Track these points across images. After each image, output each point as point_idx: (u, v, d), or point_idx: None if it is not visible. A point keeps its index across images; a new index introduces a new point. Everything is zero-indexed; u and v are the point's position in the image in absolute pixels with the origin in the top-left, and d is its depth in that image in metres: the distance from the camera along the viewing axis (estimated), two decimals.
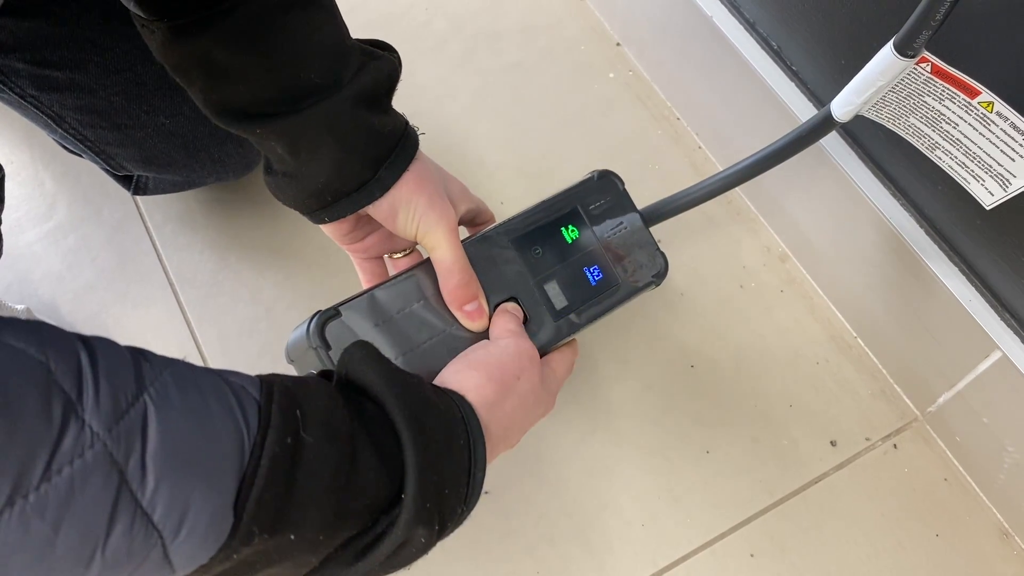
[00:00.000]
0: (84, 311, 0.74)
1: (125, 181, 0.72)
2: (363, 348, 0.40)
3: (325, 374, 0.42)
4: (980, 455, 0.67)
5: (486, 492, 0.41)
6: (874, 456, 0.70)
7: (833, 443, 0.70)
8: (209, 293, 0.75)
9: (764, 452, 0.70)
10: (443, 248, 0.49)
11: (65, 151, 0.71)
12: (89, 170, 0.78)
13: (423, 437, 0.37)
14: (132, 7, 0.44)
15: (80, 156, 0.70)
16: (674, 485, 0.68)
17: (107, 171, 0.71)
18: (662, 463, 0.69)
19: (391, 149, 0.48)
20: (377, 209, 0.49)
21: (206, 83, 0.46)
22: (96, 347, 0.29)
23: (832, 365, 0.74)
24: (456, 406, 0.41)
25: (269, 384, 0.35)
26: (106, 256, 0.77)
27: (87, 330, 0.75)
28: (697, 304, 0.76)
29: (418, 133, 0.51)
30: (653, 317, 0.75)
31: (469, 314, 0.49)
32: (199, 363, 0.72)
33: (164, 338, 0.73)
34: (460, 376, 0.45)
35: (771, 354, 0.74)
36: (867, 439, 0.71)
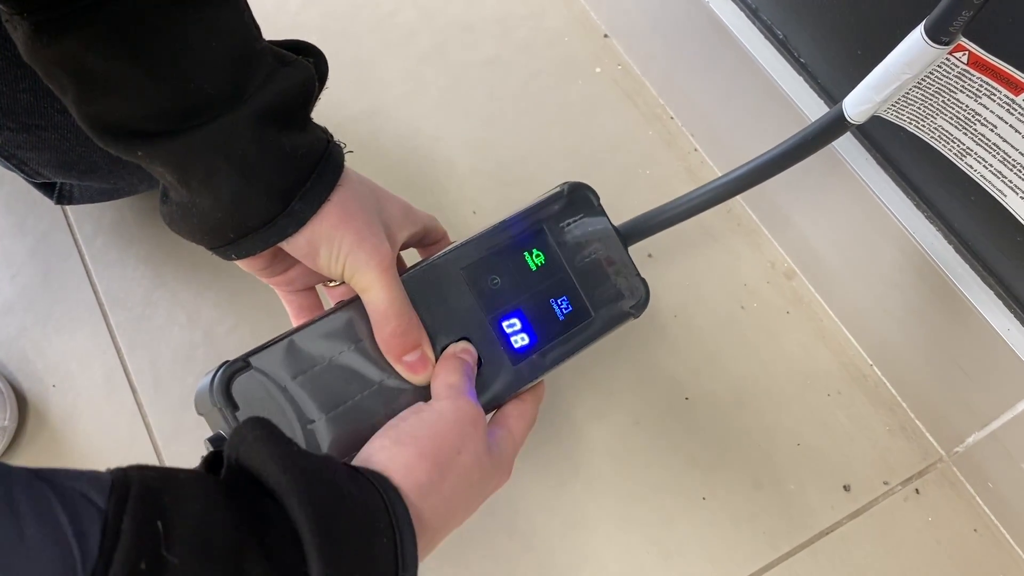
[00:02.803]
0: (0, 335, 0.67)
1: (47, 189, 0.65)
2: (256, 427, 0.32)
3: (215, 458, 0.33)
4: (1016, 504, 0.60)
5: None
6: (893, 503, 0.64)
7: (846, 488, 0.64)
8: (142, 315, 0.68)
9: (768, 499, 0.63)
10: (375, 290, 0.41)
11: None
12: (12, 176, 0.71)
13: (332, 543, 0.30)
14: None
15: None
16: (664, 538, 0.61)
17: (24, 178, 0.63)
18: (650, 512, 0.62)
19: (307, 175, 0.40)
20: (293, 246, 0.41)
21: (78, 93, 0.38)
22: None
23: (845, 398, 0.67)
24: (379, 494, 0.33)
25: (124, 485, 0.27)
26: (28, 272, 0.70)
27: (3, 357, 0.68)
28: (692, 327, 0.69)
29: (344, 151, 0.43)
30: (642, 342, 0.68)
31: (410, 366, 0.42)
32: (127, 394, 0.65)
33: (90, 366, 0.66)
34: (385, 454, 0.37)
35: (776, 385, 0.67)
36: (885, 483, 0.64)
